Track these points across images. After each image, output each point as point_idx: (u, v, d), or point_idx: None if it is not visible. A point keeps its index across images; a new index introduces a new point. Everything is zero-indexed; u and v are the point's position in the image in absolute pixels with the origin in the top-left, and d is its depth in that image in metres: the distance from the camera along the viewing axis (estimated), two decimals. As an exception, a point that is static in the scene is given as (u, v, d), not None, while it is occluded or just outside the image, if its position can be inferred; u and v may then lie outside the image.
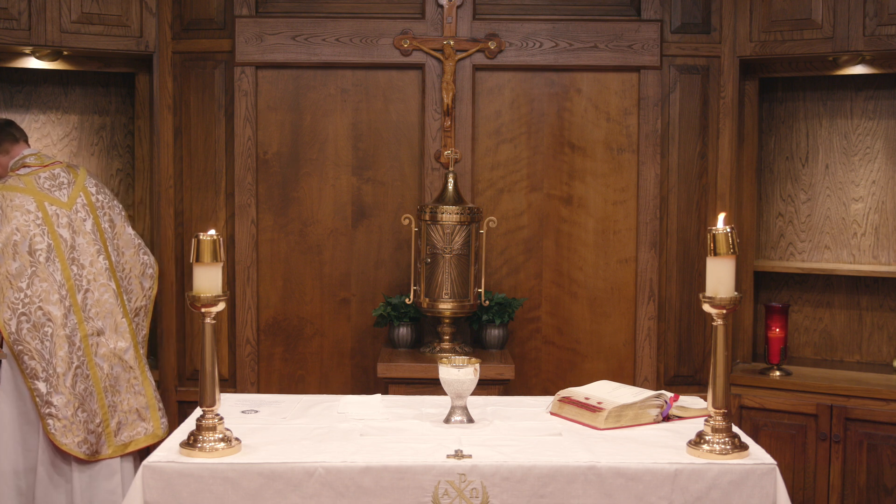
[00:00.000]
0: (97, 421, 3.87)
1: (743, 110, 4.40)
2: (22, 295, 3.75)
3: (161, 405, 4.08)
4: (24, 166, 3.98)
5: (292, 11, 4.33)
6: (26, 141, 4.12)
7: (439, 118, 4.29)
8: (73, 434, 3.78)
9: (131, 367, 3.98)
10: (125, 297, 4.03)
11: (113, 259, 4.01)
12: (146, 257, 4.19)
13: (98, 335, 3.90)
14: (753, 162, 4.49)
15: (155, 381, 4.25)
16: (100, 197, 4.06)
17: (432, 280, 4.05)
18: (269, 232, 4.36)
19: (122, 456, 3.95)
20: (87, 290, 3.89)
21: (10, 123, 4.12)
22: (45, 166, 3.98)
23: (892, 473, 3.97)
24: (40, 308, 3.77)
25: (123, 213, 4.17)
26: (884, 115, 4.42)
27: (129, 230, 4.15)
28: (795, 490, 4.10)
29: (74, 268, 3.88)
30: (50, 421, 3.75)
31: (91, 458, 3.84)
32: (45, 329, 3.77)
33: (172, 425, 4.10)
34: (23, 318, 3.74)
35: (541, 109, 4.35)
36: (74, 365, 3.81)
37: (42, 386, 3.74)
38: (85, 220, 3.96)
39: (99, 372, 3.88)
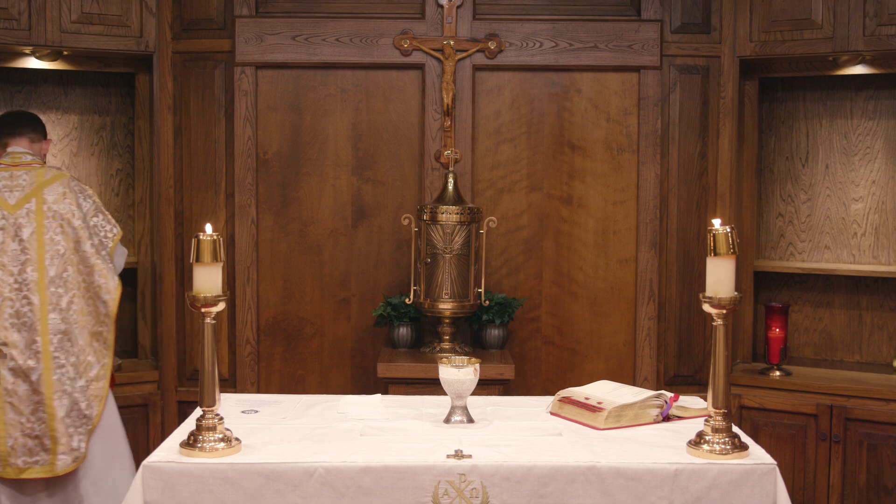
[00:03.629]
0: None
1: (743, 110, 4.40)
2: None
3: (67, 441, 3.64)
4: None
5: (292, 11, 4.33)
6: (31, 138, 3.87)
7: (439, 118, 4.29)
8: None
9: (38, 391, 3.61)
10: (51, 315, 3.64)
11: (49, 273, 3.65)
12: (102, 280, 3.73)
13: (11, 347, 3.61)
14: (753, 162, 4.49)
15: (155, 381, 4.24)
16: (57, 207, 3.70)
17: (432, 280, 4.05)
18: (269, 232, 4.36)
19: (15, 480, 3.65)
20: (6, 298, 3.62)
21: (18, 117, 3.92)
22: (14, 166, 3.77)
23: (892, 473, 3.97)
24: None
25: (104, 231, 3.81)
26: (884, 115, 4.42)
27: (88, 248, 3.73)
28: (795, 490, 4.10)
29: None
30: None
31: None
32: None
33: (171, 426, 4.09)
34: None
35: (541, 109, 4.35)
36: None
37: None
38: (23, 227, 3.66)
39: (3, 383, 3.60)
